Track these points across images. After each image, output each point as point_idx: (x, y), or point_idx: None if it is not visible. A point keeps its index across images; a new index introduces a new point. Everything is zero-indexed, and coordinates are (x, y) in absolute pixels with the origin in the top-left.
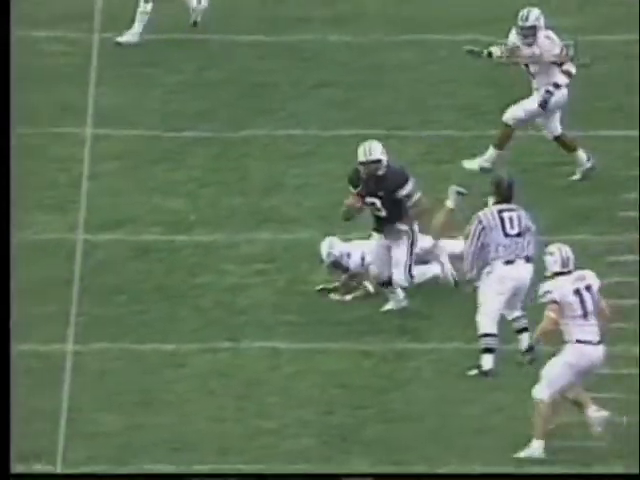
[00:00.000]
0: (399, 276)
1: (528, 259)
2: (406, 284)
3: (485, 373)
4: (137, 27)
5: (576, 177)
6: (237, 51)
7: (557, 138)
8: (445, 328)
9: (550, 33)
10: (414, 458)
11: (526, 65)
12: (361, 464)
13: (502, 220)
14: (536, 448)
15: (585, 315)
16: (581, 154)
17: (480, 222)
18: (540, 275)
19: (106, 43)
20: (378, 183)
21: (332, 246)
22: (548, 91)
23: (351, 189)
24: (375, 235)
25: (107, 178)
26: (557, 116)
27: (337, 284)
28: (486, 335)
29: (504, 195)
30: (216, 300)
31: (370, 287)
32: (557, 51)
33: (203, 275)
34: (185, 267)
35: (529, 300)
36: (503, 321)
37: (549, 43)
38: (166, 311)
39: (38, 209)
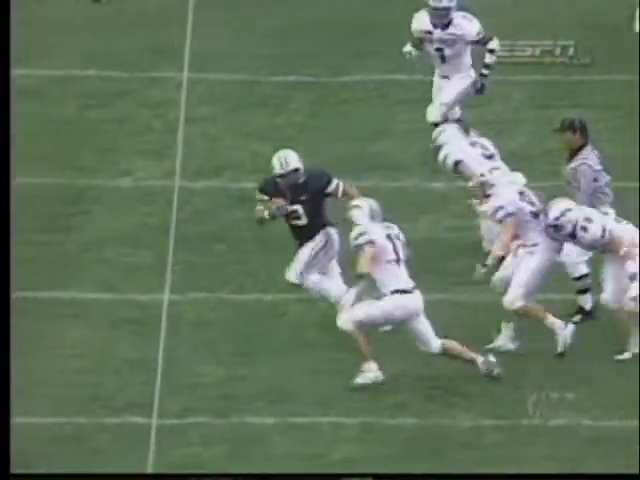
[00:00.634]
0: (290, 271)
1: None
2: (296, 281)
3: (587, 313)
4: None
5: None
6: None
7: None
8: None
9: (466, 13)
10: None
11: (438, 49)
12: (464, 418)
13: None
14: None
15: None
16: None
17: (590, 166)
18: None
19: None
20: (301, 190)
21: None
22: (482, 74)
23: (263, 197)
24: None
25: (204, 124)
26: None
27: None
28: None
29: (587, 137)
30: None
31: None
32: (477, 29)
33: None
34: None
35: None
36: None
37: (467, 22)
38: (265, 261)
39: (135, 155)
